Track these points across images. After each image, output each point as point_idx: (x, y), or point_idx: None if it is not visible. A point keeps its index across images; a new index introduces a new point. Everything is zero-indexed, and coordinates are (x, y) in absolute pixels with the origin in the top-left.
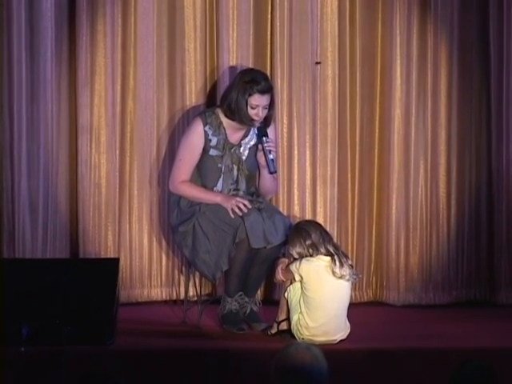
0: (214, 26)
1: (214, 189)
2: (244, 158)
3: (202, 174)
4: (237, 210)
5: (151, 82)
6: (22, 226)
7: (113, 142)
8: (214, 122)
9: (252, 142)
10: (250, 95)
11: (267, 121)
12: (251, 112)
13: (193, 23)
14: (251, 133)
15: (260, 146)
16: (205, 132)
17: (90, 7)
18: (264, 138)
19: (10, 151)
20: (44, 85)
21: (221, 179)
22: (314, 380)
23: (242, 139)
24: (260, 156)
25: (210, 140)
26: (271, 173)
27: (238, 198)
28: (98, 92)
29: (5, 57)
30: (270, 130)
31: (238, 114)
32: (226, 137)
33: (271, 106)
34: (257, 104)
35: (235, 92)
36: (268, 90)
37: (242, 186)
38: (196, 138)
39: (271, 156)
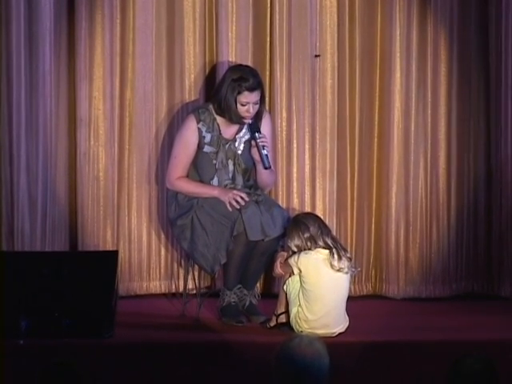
0: (214, 18)
1: (211, 183)
2: (240, 152)
3: (199, 170)
4: (234, 203)
5: (150, 75)
6: (21, 218)
7: (111, 135)
8: (207, 118)
9: (247, 136)
10: (238, 93)
11: (258, 116)
12: (241, 109)
13: (192, 16)
14: (245, 127)
15: (253, 142)
16: (198, 129)
17: (89, 0)
18: (257, 134)
19: (9, 145)
20: (43, 78)
21: (216, 175)
22: (313, 375)
23: (236, 134)
24: (254, 152)
25: (204, 137)
26: (266, 168)
27: (235, 191)
28: (97, 85)
29: (3, 50)
30: (266, 122)
31: (228, 112)
32: (220, 133)
33: (261, 100)
34: (247, 101)
35: (224, 90)
36: (257, 86)
37: (239, 180)
38: (190, 135)
39: (265, 151)
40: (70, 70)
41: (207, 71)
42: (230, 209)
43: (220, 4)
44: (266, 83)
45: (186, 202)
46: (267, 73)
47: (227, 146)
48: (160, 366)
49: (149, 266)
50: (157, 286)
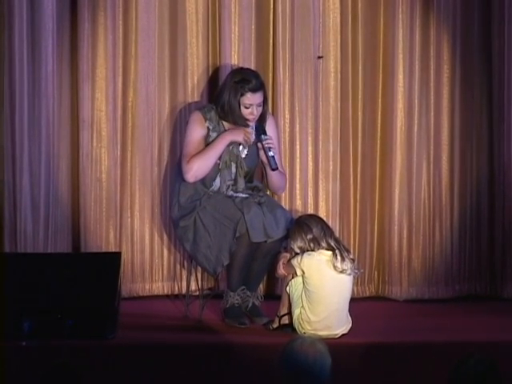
0: (216, 19)
1: (213, 184)
2: (243, 155)
3: None
4: (247, 139)
5: (152, 76)
6: (24, 220)
7: (114, 136)
8: (213, 117)
9: (251, 139)
10: (242, 95)
11: (262, 117)
12: (245, 111)
13: (195, 17)
14: (250, 130)
15: (260, 145)
16: (207, 127)
17: (92, 1)
18: (262, 136)
19: (12, 146)
20: (45, 79)
21: (219, 175)
22: (315, 375)
23: None
24: (262, 154)
25: (210, 136)
26: (273, 169)
27: (240, 130)
28: (99, 86)
29: (6, 51)
30: (270, 124)
31: (232, 115)
32: None
33: (265, 102)
34: (250, 103)
35: (227, 93)
36: (260, 87)
37: (241, 182)
38: (199, 128)
39: (271, 153)
40: (73, 71)
41: (210, 72)
42: (244, 143)
43: (223, 5)
44: (268, 85)
45: (189, 203)
46: (270, 74)
47: (231, 147)
48: (162, 368)
49: (151, 267)
50: (159, 287)
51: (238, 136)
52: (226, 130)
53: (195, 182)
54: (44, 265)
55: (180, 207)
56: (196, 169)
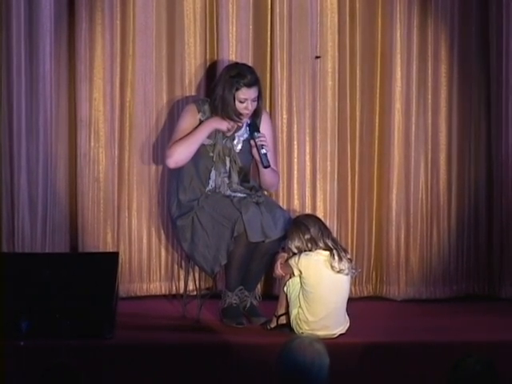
0: (214, 19)
1: (209, 180)
2: (237, 150)
3: (196, 163)
4: (232, 124)
5: (150, 76)
6: (22, 220)
7: (112, 136)
8: (207, 110)
9: (246, 135)
10: (237, 89)
11: (256, 113)
12: (240, 106)
13: (192, 17)
14: (245, 125)
15: (252, 142)
16: (199, 120)
17: (89, 1)
18: (255, 133)
19: (9, 145)
20: (43, 79)
21: (213, 168)
22: (313, 375)
23: (235, 132)
24: (255, 152)
25: None
26: (265, 167)
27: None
28: (97, 86)
29: (4, 51)
30: (264, 121)
31: (225, 110)
32: None
33: (259, 97)
34: (245, 98)
35: (221, 88)
36: (255, 82)
37: (234, 177)
38: (191, 119)
39: (263, 150)
40: (70, 70)
41: (208, 72)
42: (226, 131)
43: (220, 5)
44: (266, 84)
45: (187, 202)
46: (267, 74)
47: (224, 141)
48: (160, 368)
49: (149, 267)
50: (157, 287)
51: (221, 124)
52: (210, 117)
53: (192, 178)
54: (42, 265)
55: (179, 205)
56: (177, 154)
